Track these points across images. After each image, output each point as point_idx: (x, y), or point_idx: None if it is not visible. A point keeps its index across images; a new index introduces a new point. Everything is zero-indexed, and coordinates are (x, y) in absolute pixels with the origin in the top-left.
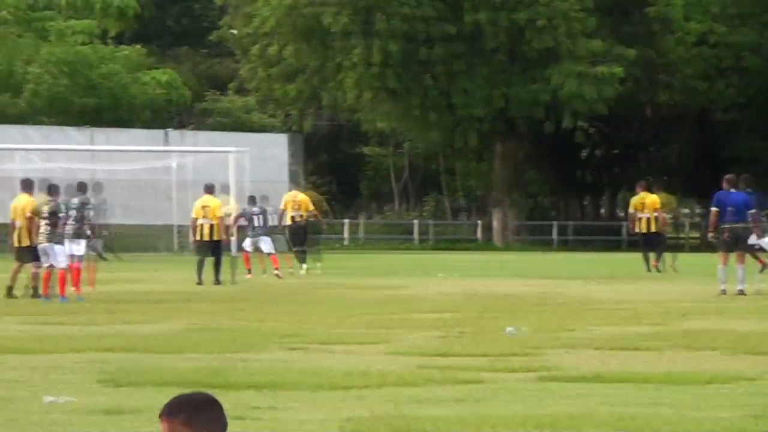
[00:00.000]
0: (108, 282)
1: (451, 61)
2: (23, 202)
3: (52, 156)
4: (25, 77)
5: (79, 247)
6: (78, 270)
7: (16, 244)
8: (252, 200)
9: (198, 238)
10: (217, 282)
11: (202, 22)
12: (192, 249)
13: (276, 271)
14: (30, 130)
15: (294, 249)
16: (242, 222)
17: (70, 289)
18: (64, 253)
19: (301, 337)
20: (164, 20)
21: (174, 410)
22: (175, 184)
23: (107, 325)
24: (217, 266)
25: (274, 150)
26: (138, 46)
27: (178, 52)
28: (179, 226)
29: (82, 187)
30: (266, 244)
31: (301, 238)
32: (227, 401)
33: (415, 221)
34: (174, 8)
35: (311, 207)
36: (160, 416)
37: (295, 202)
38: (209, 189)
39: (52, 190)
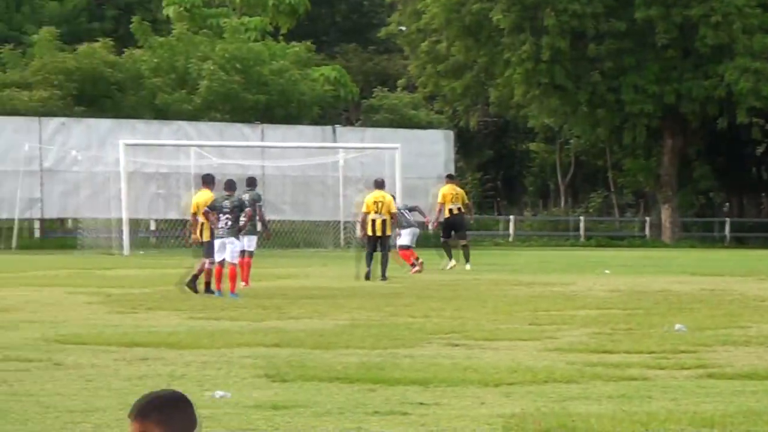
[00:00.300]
0: (276, 278)
1: (620, 57)
2: (204, 197)
3: (224, 152)
4: (200, 74)
5: (250, 243)
6: (247, 265)
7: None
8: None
9: (370, 233)
10: (384, 278)
11: (371, 19)
12: (359, 244)
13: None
14: (204, 127)
15: (443, 241)
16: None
17: (229, 284)
18: (225, 248)
19: (464, 333)
20: (333, 16)
21: (145, 411)
22: (342, 180)
23: (275, 320)
24: (384, 262)
25: (433, 146)
26: (308, 43)
27: (346, 49)
28: (345, 222)
29: (251, 183)
30: (405, 239)
31: (451, 231)
32: (391, 396)
33: (580, 217)
34: (342, 5)
35: (458, 201)
36: (129, 416)
37: (444, 195)
38: (380, 184)
39: (229, 186)
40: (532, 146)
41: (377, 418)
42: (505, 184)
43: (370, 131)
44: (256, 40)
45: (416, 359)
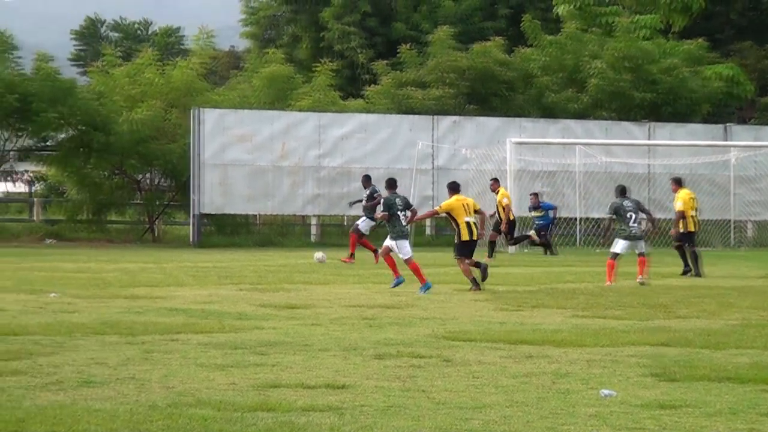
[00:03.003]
0: (662, 276)
1: None
2: None
3: (610, 150)
4: (589, 72)
5: (637, 245)
6: (641, 263)
7: None
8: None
9: (692, 229)
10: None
11: None
12: (676, 240)
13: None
14: (590, 125)
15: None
16: None
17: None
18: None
19: None
20: (728, 14)
21: None
22: (733, 179)
23: (662, 319)
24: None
25: None
26: (700, 40)
27: (741, 47)
28: (736, 221)
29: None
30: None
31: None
32: None
33: None
34: (738, 2)
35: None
36: None
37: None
38: (679, 182)
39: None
40: None
41: None
42: None
43: (766, 129)
44: (646, 38)
45: None
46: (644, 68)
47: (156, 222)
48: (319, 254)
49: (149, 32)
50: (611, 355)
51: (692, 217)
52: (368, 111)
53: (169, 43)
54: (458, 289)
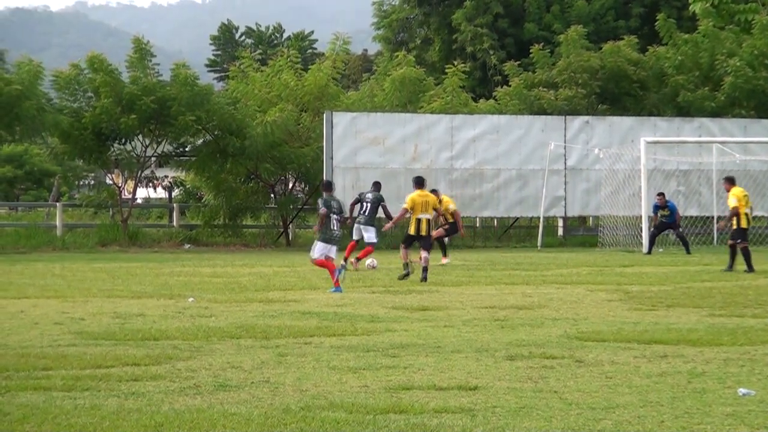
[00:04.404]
0: None
1: None
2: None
3: (748, 148)
4: (725, 71)
5: None
6: None
7: None
8: None
9: (744, 226)
10: None
11: None
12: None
13: None
14: (726, 123)
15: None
16: None
17: None
18: None
19: None
20: None
21: None
22: None
23: None
24: None
25: None
26: None
27: None
28: None
29: None
30: None
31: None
32: None
33: None
34: None
35: None
36: None
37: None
38: (732, 180)
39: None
40: None
41: None
42: None
43: None
44: None
45: None
46: None
47: (290, 226)
48: (369, 260)
49: (282, 38)
50: (749, 354)
51: (746, 214)
52: (499, 112)
53: (302, 48)
54: (590, 290)
